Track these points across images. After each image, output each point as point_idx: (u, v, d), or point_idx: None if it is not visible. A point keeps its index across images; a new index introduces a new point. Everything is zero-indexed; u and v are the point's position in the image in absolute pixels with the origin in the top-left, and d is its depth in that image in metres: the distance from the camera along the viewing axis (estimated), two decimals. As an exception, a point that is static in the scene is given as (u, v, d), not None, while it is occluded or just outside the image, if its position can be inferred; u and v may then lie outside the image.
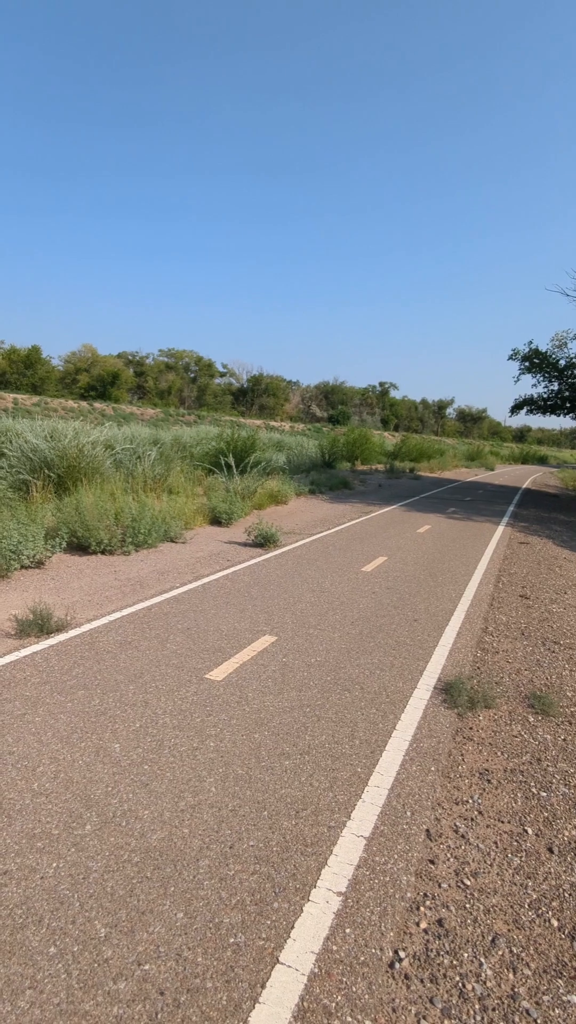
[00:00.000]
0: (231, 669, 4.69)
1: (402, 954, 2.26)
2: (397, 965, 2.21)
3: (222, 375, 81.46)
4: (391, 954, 2.26)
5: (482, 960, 2.28)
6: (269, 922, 2.34)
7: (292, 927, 2.32)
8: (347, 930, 2.34)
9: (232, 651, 5.06)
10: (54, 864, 2.56)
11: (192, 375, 78.80)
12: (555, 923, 2.49)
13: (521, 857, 2.87)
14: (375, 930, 2.36)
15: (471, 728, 4.11)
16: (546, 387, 24.86)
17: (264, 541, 9.65)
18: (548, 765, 3.71)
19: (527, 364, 24.30)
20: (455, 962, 2.26)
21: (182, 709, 3.99)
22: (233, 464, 14.30)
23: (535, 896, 2.63)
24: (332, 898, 2.49)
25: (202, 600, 6.52)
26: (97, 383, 66.99)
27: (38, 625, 5.15)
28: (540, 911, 2.54)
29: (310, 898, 2.48)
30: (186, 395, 75.70)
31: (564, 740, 4.03)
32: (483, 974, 2.22)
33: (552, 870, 2.80)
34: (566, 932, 2.44)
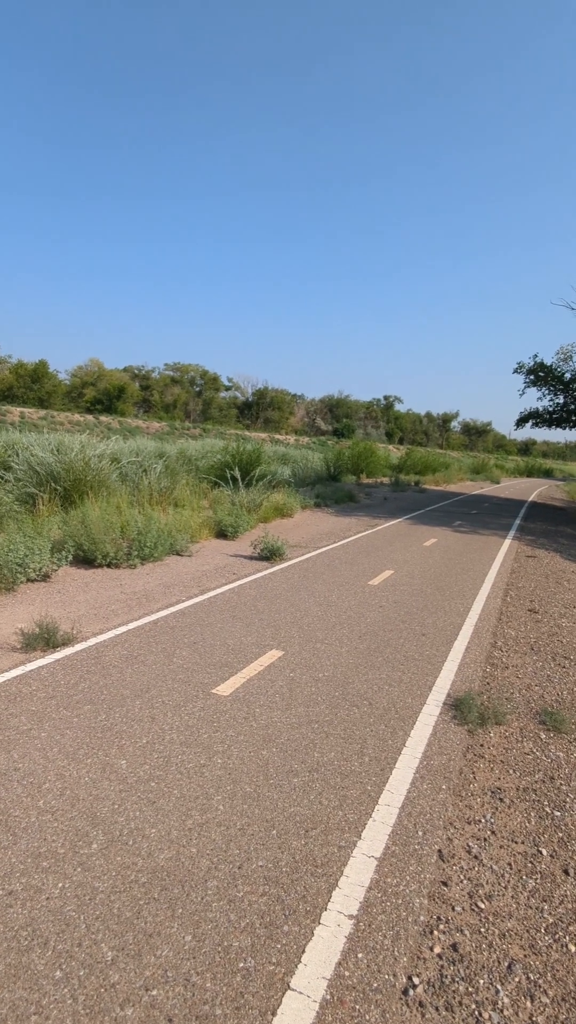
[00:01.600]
0: (238, 684, 4.65)
1: (416, 980, 2.20)
2: (411, 992, 2.15)
3: (227, 389, 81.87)
4: (405, 980, 2.20)
5: (498, 987, 2.21)
6: (279, 946, 2.28)
7: (303, 951, 2.27)
8: (359, 955, 2.28)
9: (239, 666, 5.02)
10: (60, 884, 2.51)
11: (197, 389, 79.22)
12: (573, 948, 2.42)
13: (536, 879, 2.81)
14: (388, 955, 2.30)
15: (482, 745, 4.04)
16: (551, 400, 24.87)
17: (270, 554, 9.61)
18: (561, 783, 3.64)
19: (532, 377, 24.32)
20: (471, 989, 2.20)
21: (189, 725, 3.95)
22: (239, 477, 14.31)
23: (551, 920, 2.56)
24: (344, 921, 2.43)
25: (208, 614, 6.48)
26: (103, 397, 67.41)
27: (44, 639, 5.12)
28: (557, 936, 2.48)
29: (321, 921, 2.42)
30: (191, 408, 76.07)
31: (577, 758, 3.96)
32: (500, 1002, 2.15)
33: (568, 893, 2.73)
34: (584, 958, 2.37)
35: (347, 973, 2.20)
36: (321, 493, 18.94)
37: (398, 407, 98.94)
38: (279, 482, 17.34)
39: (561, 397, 24.32)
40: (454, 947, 2.38)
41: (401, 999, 2.13)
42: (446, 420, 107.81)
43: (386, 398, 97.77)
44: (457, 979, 2.23)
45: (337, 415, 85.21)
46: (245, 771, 3.45)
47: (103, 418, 54.99)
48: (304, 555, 10.26)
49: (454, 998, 2.15)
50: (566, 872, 2.87)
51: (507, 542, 13.71)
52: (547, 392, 24.57)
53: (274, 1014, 2.02)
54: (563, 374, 23.79)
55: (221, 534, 11.38)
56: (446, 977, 2.24)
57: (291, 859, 2.76)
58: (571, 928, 2.52)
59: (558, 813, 3.34)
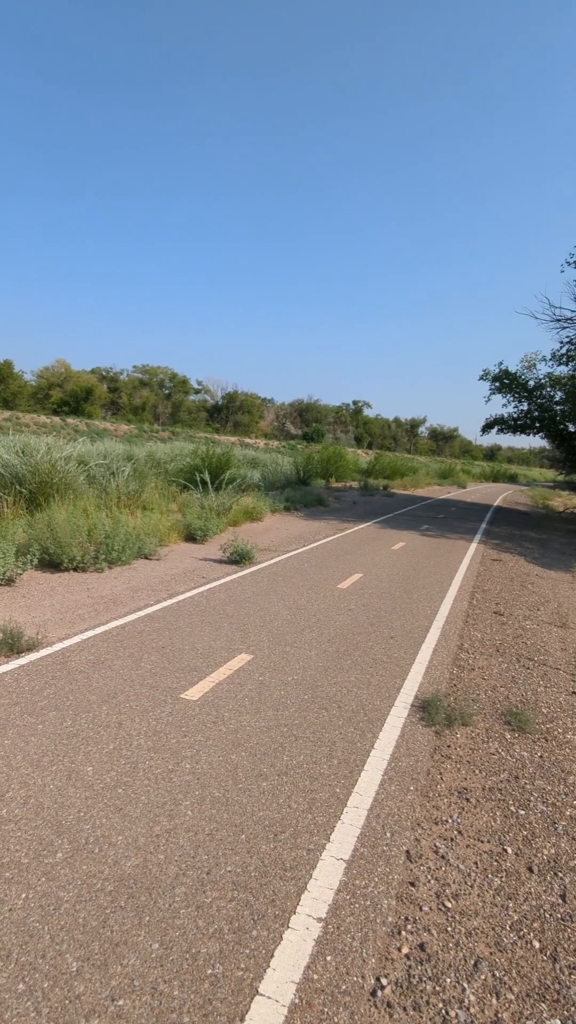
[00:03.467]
0: (207, 688, 4.61)
1: (384, 981, 2.21)
2: (379, 993, 2.16)
3: (197, 392, 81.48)
4: (373, 982, 2.21)
5: (465, 985, 2.24)
6: (248, 951, 2.27)
7: (272, 956, 2.26)
8: (328, 957, 2.29)
9: (208, 670, 4.98)
10: (23, 895, 2.46)
11: (166, 392, 78.65)
12: (537, 945, 2.46)
13: (501, 877, 2.85)
14: (356, 957, 2.31)
15: (449, 746, 4.09)
16: (516, 407, 25.37)
17: (239, 558, 9.58)
18: (526, 783, 3.71)
19: (498, 384, 24.77)
20: (438, 988, 2.22)
21: (157, 730, 3.90)
22: (208, 480, 14.23)
23: (516, 917, 2.60)
24: (312, 924, 2.43)
25: (177, 618, 6.42)
26: (70, 399, 66.38)
27: (8, 644, 5.01)
28: (522, 932, 2.52)
29: (290, 925, 2.42)
30: (160, 411, 75.45)
31: (541, 757, 4.04)
32: (466, 1000, 2.18)
33: (532, 890, 2.78)
34: (548, 954, 2.42)
35: (316, 976, 2.20)
36: (291, 497, 18.96)
37: (367, 412, 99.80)
38: (249, 486, 17.31)
39: (525, 404, 24.83)
40: (421, 947, 2.39)
41: (369, 1000, 2.13)
42: (414, 425, 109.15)
43: (355, 403, 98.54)
44: (424, 979, 2.25)
45: (307, 419, 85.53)
46: (214, 775, 3.43)
47: (70, 420, 54.14)
48: (274, 559, 10.25)
49: (421, 998, 2.17)
50: (530, 870, 2.92)
51: (473, 546, 13.93)
52: (512, 399, 25.06)
53: (242, 1020, 2.01)
54: (527, 382, 24.30)
55: (190, 538, 11.31)
56: (414, 977, 2.25)
57: (260, 863, 2.75)
58: (535, 925, 2.57)
59: (523, 812, 3.40)
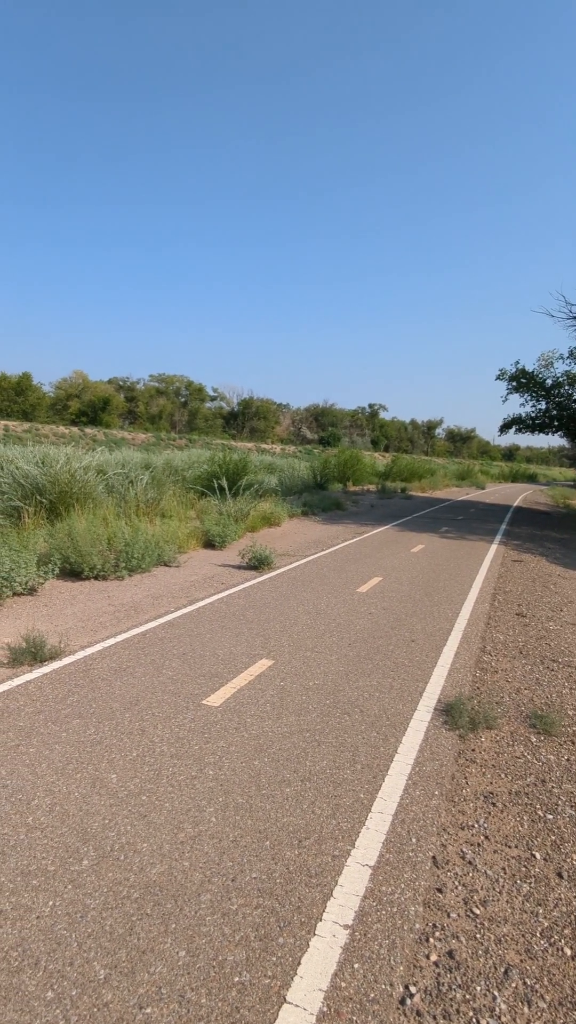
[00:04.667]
0: (228, 694, 4.62)
1: (413, 989, 2.19)
2: (408, 1001, 2.14)
3: (212, 399, 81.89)
4: (402, 990, 2.18)
5: (495, 993, 2.20)
6: (275, 959, 2.26)
7: (299, 963, 2.24)
8: (356, 965, 2.27)
9: (229, 676, 4.99)
10: (50, 902, 2.47)
11: (183, 399, 79.18)
12: (568, 952, 2.42)
13: (530, 883, 2.81)
14: (384, 964, 2.28)
15: (473, 750, 4.05)
16: (534, 406, 25.13)
17: (258, 563, 9.59)
18: (553, 786, 3.65)
19: (515, 384, 24.58)
20: (468, 996, 2.18)
21: (179, 737, 3.91)
22: (226, 487, 14.28)
23: (547, 924, 2.56)
24: (339, 931, 2.41)
25: (197, 624, 6.44)
26: (88, 409, 67.14)
27: (31, 653, 5.06)
28: (552, 940, 2.47)
29: (316, 932, 2.40)
30: (177, 419, 75.98)
31: (568, 760, 3.98)
32: (497, 1008, 2.14)
33: (563, 896, 2.73)
34: (580, 961, 2.37)
35: (343, 984, 2.18)
36: (308, 501, 18.96)
37: (383, 415, 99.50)
38: (266, 491, 17.33)
39: (543, 403, 24.59)
40: (450, 954, 2.36)
41: (398, 1009, 2.11)
42: (431, 427, 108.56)
43: (371, 406, 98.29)
44: (454, 986, 2.22)
45: (323, 424, 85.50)
46: (237, 782, 3.43)
47: (88, 430, 54.73)
48: (292, 563, 10.25)
49: (451, 1006, 2.14)
50: (560, 876, 2.87)
51: (494, 547, 13.80)
52: (529, 398, 24.83)
53: (271, 1028, 1.99)
54: (544, 380, 24.07)
55: (209, 544, 11.35)
56: (443, 985, 2.22)
57: (285, 870, 2.74)
58: (566, 932, 2.52)
59: (551, 816, 3.34)
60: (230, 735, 3.97)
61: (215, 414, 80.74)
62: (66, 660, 5.16)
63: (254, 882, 2.65)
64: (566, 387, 23.52)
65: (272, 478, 21.61)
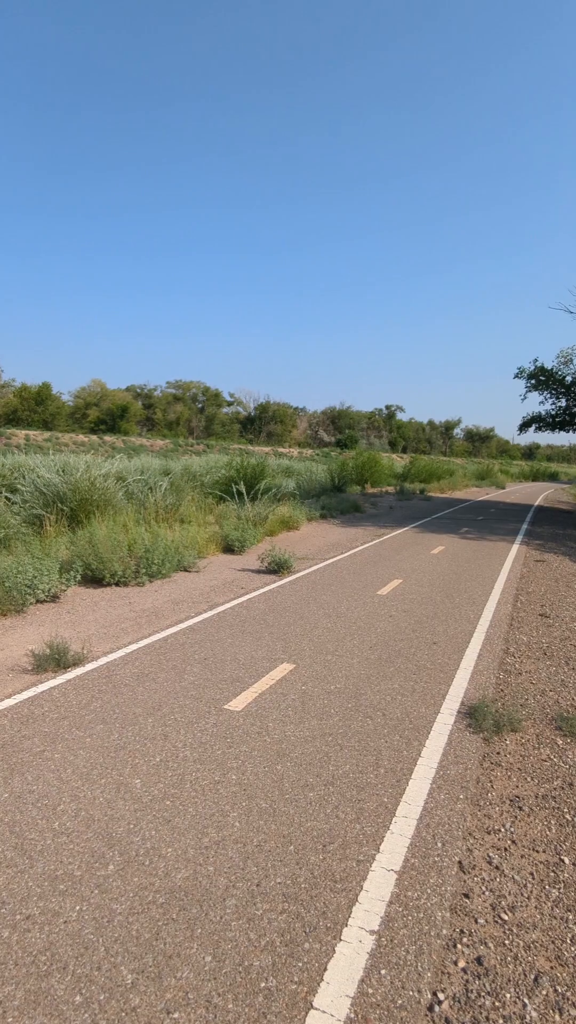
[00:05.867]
0: (250, 699, 4.62)
1: (441, 996, 2.16)
2: (437, 1008, 2.11)
3: (229, 404, 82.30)
4: (430, 996, 2.16)
5: (525, 1001, 2.17)
6: (301, 964, 2.25)
7: (325, 969, 2.23)
8: (382, 971, 2.25)
9: (250, 680, 4.99)
10: (77, 907, 2.49)
11: (200, 405, 79.68)
12: (600, 958, 2.37)
13: (560, 888, 2.76)
14: (412, 970, 2.26)
15: (498, 753, 4.00)
16: (553, 404, 24.88)
17: (278, 567, 9.60)
18: (581, 790, 3.59)
19: (533, 382, 24.35)
20: (497, 1003, 2.16)
21: (202, 741, 3.92)
22: (244, 491, 14.32)
23: (577, 930, 2.52)
24: (365, 937, 2.39)
25: (218, 629, 6.46)
26: (107, 417, 67.90)
27: (55, 659, 5.12)
28: (583, 946, 2.43)
29: (342, 937, 2.39)
30: (194, 425, 76.45)
31: (595, 763, 3.91)
32: (527, 1016, 2.11)
33: (593, 901, 2.68)
34: (612, 968, 2.33)
35: (370, 990, 2.16)
36: (326, 504, 18.93)
37: (400, 416, 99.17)
38: (284, 495, 17.35)
39: (563, 400, 24.32)
40: (479, 960, 2.33)
41: (427, 1016, 2.09)
42: (449, 427, 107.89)
43: (388, 408, 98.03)
44: (483, 993, 2.19)
45: (339, 426, 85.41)
46: (260, 786, 3.42)
47: (107, 438, 55.32)
48: (312, 567, 10.24)
49: (481, 1013, 2.11)
50: (589, 880, 2.82)
51: (515, 547, 13.65)
52: (549, 396, 24.57)
53: (298, 1034, 1.98)
54: (564, 377, 23.80)
55: (228, 549, 11.38)
56: (471, 992, 2.19)
57: (309, 875, 2.73)
58: (597, 938, 2.48)
59: (579, 820, 3.29)
60: (252, 739, 3.97)
61: (232, 419, 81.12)
62: (89, 666, 5.21)
63: (279, 887, 2.64)
64: (586, 384, 23.23)
65: (290, 482, 21.61)
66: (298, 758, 3.76)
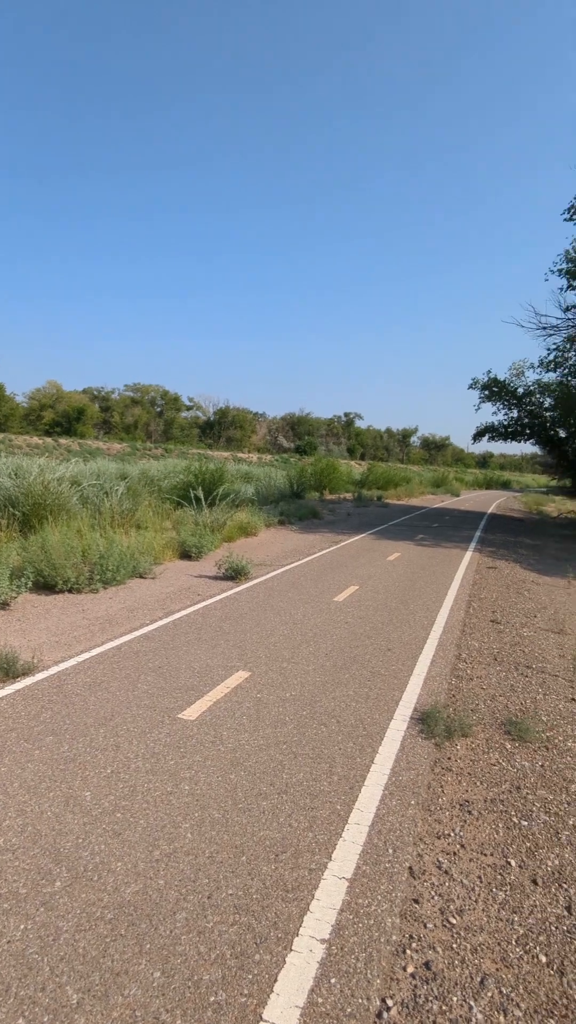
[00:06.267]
0: (204, 708, 4.58)
1: (390, 1002, 2.18)
2: (385, 1015, 2.13)
3: (188, 408, 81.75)
4: (379, 1003, 2.18)
5: (472, 1004, 2.21)
6: (251, 976, 2.24)
7: (275, 980, 2.23)
8: (332, 980, 2.25)
9: (205, 689, 4.96)
10: (21, 926, 2.42)
11: (158, 409, 78.89)
12: (543, 959, 2.44)
13: (506, 891, 2.83)
14: (361, 978, 2.27)
15: (449, 758, 4.07)
16: (506, 414, 25.55)
17: (235, 574, 9.57)
18: (528, 793, 3.68)
19: (487, 393, 24.97)
20: (444, 1007, 2.19)
21: (155, 752, 3.87)
22: (202, 497, 14.23)
23: (522, 931, 2.58)
24: (316, 946, 2.40)
25: (173, 637, 6.39)
26: (62, 419, 66.55)
27: (3, 669, 4.97)
28: (528, 947, 2.49)
29: (293, 947, 2.38)
30: (152, 429, 75.62)
31: (542, 766, 4.02)
32: (473, 1018, 2.15)
33: (538, 903, 2.76)
34: (555, 968, 2.39)
35: (320, 1000, 2.17)
36: (285, 510, 18.97)
37: (359, 423, 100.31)
38: (243, 501, 17.32)
39: (515, 411, 25.01)
40: (427, 965, 2.37)
41: (375, 1023, 2.10)
42: (406, 435, 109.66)
43: (346, 415, 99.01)
44: (431, 998, 2.22)
45: (299, 432, 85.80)
46: (213, 796, 3.40)
47: (63, 440, 54.21)
48: (269, 573, 10.24)
49: (428, 1018, 2.14)
50: (535, 882, 2.89)
51: (468, 554, 13.95)
52: (502, 407, 25.24)
53: (247, 1048, 1.97)
54: (516, 389, 24.49)
55: (185, 555, 11.28)
56: (419, 997, 2.22)
57: (261, 885, 2.72)
58: (541, 938, 2.54)
59: (525, 823, 3.37)
60: (206, 749, 3.94)
61: (191, 424, 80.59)
62: (39, 676, 5.08)
63: (230, 898, 2.62)
64: (537, 395, 23.97)
65: (249, 487, 21.59)
66: (252, 767, 3.74)
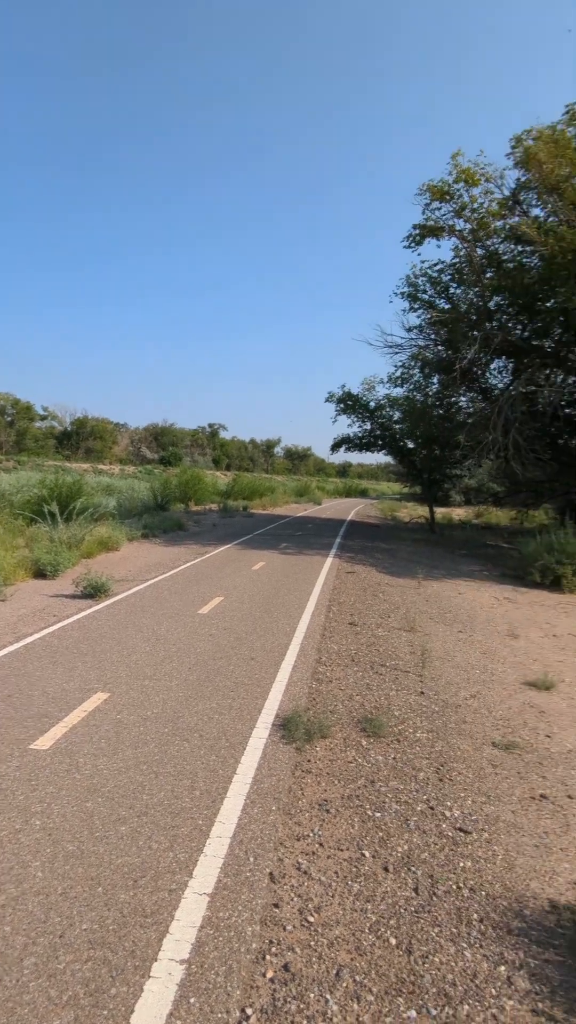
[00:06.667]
0: (59, 735, 4.34)
1: (249, 1011, 2.20)
2: (244, 1024, 2.15)
3: (43, 418, 77.19)
4: (238, 1014, 2.19)
5: (328, 997, 2.29)
6: (106, 1012, 2.15)
7: (132, 1012, 2.16)
8: (192, 1000, 2.23)
9: (60, 714, 4.70)
10: None
11: (9, 419, 73.70)
12: (393, 941, 2.58)
13: (360, 882, 2.96)
14: (221, 992, 2.27)
15: (309, 760, 4.20)
16: (360, 426, 26.86)
17: (94, 591, 9.17)
18: (381, 785, 3.89)
19: (342, 406, 26.11)
20: (302, 1006, 2.25)
21: (2, 788, 3.60)
22: (57, 512, 13.49)
23: (374, 919, 2.72)
24: (175, 968, 2.36)
25: (25, 663, 5.99)
26: None
27: None
28: (379, 932, 2.63)
29: (151, 974, 2.33)
30: (3, 439, 70.49)
31: (394, 759, 4.27)
32: (329, 1011, 2.23)
33: (388, 889, 2.92)
34: (403, 948, 2.55)
35: (179, 1023, 2.13)
36: (149, 523, 18.52)
37: (223, 434, 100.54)
38: (103, 514, 16.66)
39: (368, 423, 26.39)
40: (286, 967, 2.42)
41: (235, 1034, 2.11)
42: (270, 446, 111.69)
43: (211, 426, 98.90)
44: (289, 999, 2.27)
45: (163, 443, 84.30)
46: (67, 828, 3.23)
47: None
48: (131, 589, 9.94)
49: (286, 1019, 2.18)
50: (386, 869, 3.06)
51: (329, 560, 14.49)
52: (356, 419, 26.51)
53: None
54: (368, 403, 25.88)
55: (40, 574, 10.63)
56: (278, 1000, 2.26)
57: (119, 914, 2.63)
58: (392, 922, 2.70)
59: (379, 814, 3.56)
60: (60, 779, 3.73)
61: (47, 434, 76.18)
62: None
63: (84, 934, 2.51)
64: (387, 409, 25.50)
65: (110, 500, 20.83)
66: (110, 792, 3.61)
